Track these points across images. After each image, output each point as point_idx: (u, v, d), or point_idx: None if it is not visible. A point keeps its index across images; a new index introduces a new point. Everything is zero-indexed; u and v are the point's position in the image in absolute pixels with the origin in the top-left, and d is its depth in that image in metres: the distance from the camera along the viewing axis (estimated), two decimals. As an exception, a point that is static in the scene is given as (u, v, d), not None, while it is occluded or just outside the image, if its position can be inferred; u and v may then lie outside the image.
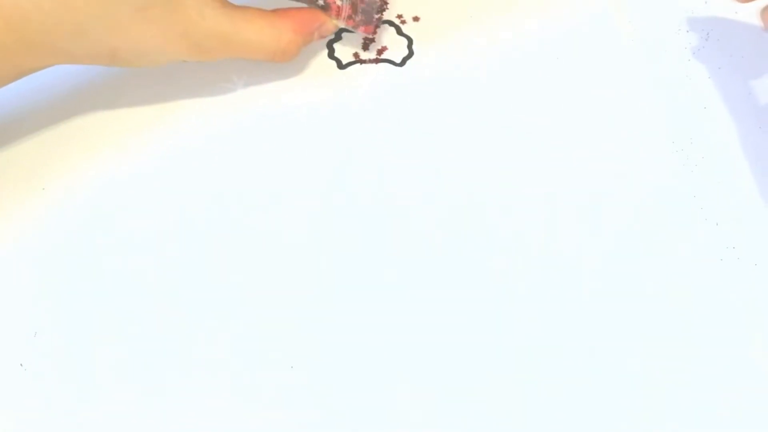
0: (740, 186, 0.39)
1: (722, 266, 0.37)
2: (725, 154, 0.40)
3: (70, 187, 0.39)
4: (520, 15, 0.46)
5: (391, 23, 0.45)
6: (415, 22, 0.45)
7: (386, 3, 0.45)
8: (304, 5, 0.41)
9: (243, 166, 0.40)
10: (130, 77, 0.42)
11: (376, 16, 0.41)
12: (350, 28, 0.42)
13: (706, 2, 0.46)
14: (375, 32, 0.42)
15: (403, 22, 0.45)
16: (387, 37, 0.44)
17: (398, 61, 0.44)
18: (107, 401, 0.34)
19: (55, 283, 0.36)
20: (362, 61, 0.44)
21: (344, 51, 0.44)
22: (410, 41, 0.44)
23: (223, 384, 0.34)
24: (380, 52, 0.44)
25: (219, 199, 0.39)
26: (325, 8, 0.40)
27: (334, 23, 0.41)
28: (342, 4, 0.40)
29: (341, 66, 0.43)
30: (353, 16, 0.40)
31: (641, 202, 0.39)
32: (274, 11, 0.40)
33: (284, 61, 0.41)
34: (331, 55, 0.44)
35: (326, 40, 0.44)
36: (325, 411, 0.34)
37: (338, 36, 0.44)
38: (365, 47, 0.44)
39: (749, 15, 0.46)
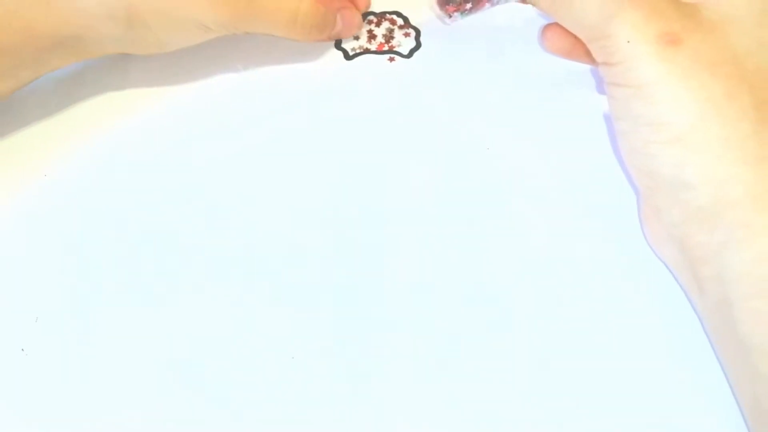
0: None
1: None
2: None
3: (71, 173, 0.39)
4: (529, 9, 0.45)
5: (399, 14, 0.45)
6: (424, 15, 0.45)
7: None
8: None
9: (246, 154, 0.40)
10: (134, 64, 0.42)
11: None
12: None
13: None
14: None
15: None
16: (395, 28, 0.44)
17: (405, 52, 0.43)
18: (108, 387, 0.34)
19: (56, 268, 0.37)
20: (369, 52, 0.43)
21: (351, 41, 0.44)
22: (418, 32, 0.44)
23: (223, 376, 0.34)
24: (387, 43, 0.44)
25: (222, 186, 0.39)
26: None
27: (359, 21, 0.42)
28: None
29: (348, 56, 0.43)
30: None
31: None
32: None
33: (299, 37, 0.40)
34: (338, 45, 0.43)
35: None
36: (325, 402, 0.34)
37: (345, 26, 0.44)
38: (371, 38, 0.44)
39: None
